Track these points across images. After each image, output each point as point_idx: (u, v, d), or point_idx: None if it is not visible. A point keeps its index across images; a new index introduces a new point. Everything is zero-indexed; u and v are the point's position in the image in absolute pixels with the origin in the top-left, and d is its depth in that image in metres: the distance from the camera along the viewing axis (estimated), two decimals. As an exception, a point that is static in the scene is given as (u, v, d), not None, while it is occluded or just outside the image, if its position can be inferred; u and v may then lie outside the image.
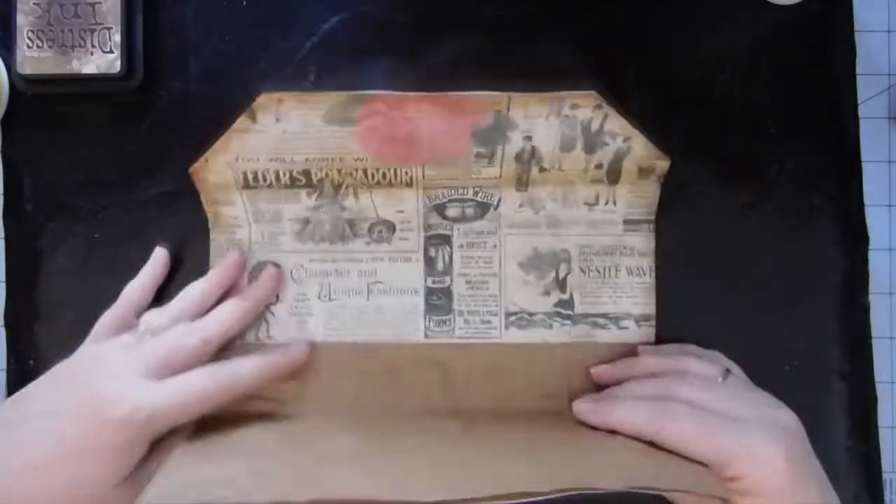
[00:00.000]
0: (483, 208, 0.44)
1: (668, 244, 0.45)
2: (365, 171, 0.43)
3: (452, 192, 0.44)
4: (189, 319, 0.42)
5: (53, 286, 0.45)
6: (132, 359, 0.39)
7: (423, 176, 0.44)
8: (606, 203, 0.44)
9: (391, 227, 0.45)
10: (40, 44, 0.43)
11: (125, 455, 0.36)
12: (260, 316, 0.44)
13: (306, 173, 0.43)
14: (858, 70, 0.45)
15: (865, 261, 0.45)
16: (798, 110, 0.45)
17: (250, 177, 0.44)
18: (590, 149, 0.43)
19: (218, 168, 0.43)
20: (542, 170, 0.43)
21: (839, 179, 0.45)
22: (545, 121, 0.42)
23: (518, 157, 0.43)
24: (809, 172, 0.45)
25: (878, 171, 0.45)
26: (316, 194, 0.44)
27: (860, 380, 0.44)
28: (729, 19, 0.45)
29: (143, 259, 0.45)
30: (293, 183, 0.44)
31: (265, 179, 0.44)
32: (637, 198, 0.44)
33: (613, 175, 0.44)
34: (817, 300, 0.45)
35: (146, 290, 0.44)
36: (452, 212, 0.44)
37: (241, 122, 0.42)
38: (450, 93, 0.42)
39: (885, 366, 0.45)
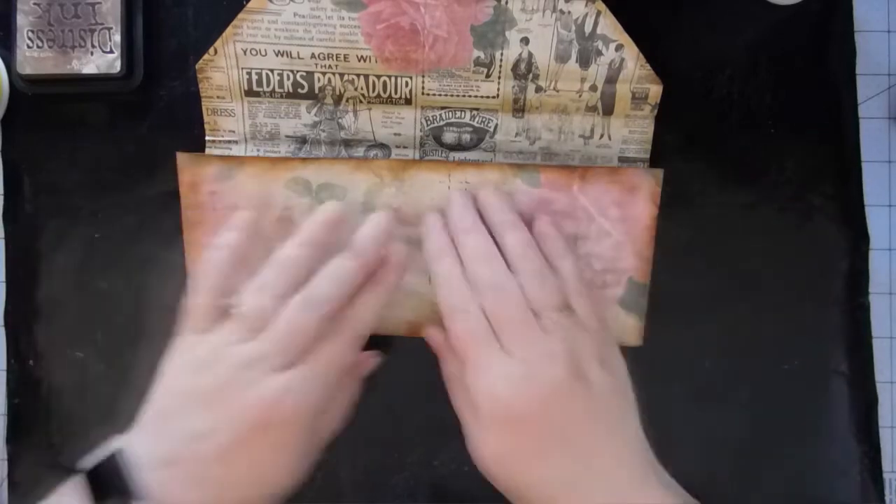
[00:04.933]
0: (479, 134, 0.45)
1: (668, 244, 0.45)
2: (366, 79, 0.44)
3: (450, 113, 0.44)
4: (288, 292, 0.37)
5: (53, 286, 0.45)
6: (256, 357, 0.36)
7: (423, 90, 0.44)
8: (601, 136, 0.44)
9: (387, 152, 0.45)
10: (40, 44, 0.43)
11: (299, 448, 0.37)
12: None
13: (309, 78, 0.44)
14: (858, 70, 0.45)
15: (865, 261, 0.45)
16: (798, 110, 0.45)
17: (254, 79, 0.44)
18: (584, 60, 0.43)
19: (225, 63, 0.43)
20: (538, 89, 0.44)
21: (839, 179, 0.45)
22: (542, 16, 0.43)
23: (515, 69, 0.43)
24: (809, 172, 0.45)
25: (878, 171, 0.45)
26: (316, 108, 0.44)
27: (860, 380, 0.44)
28: (729, 19, 0.45)
29: (143, 259, 0.45)
30: (295, 90, 0.44)
31: (268, 83, 0.44)
32: (632, 133, 0.44)
33: (607, 102, 0.44)
34: (817, 300, 0.45)
35: (235, 268, 0.38)
36: (449, 137, 0.45)
37: (257, 0, 0.42)
38: None
39: (885, 366, 0.45)
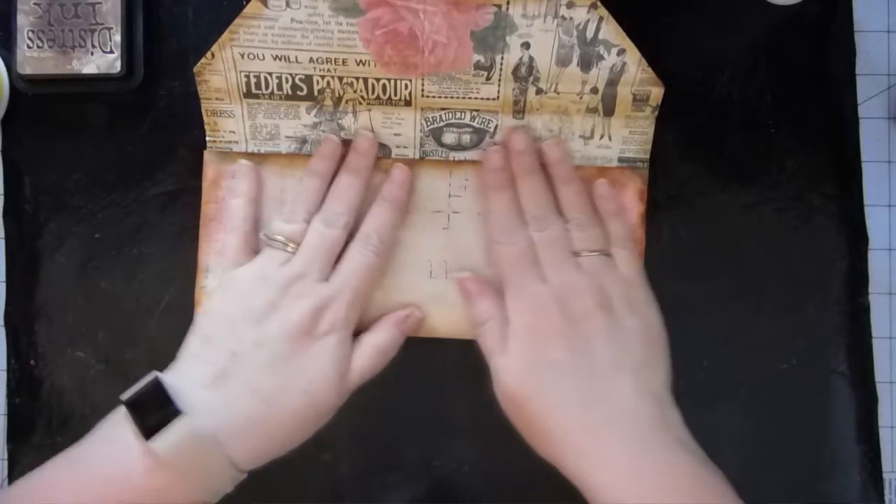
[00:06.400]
0: (479, 135, 0.45)
1: (668, 244, 0.45)
2: (365, 82, 0.44)
3: (450, 114, 0.44)
4: (309, 218, 0.43)
5: (53, 286, 0.45)
6: (300, 273, 0.41)
7: (423, 92, 0.44)
8: (602, 137, 0.44)
9: (387, 152, 0.45)
10: (41, 44, 0.43)
11: (341, 362, 0.41)
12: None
13: (308, 81, 0.44)
14: (858, 70, 0.45)
15: (865, 261, 0.45)
16: (798, 110, 0.45)
17: (253, 82, 0.44)
18: (585, 64, 0.43)
19: (223, 66, 0.43)
20: (538, 91, 0.44)
21: (839, 179, 0.45)
22: (543, 22, 0.42)
23: (516, 72, 0.43)
24: (809, 172, 0.45)
25: (877, 171, 0.45)
26: (316, 109, 0.44)
27: (860, 380, 0.44)
28: (729, 19, 0.45)
29: (144, 259, 0.45)
30: (294, 93, 0.44)
31: (267, 86, 0.44)
32: (632, 133, 0.44)
33: (608, 104, 0.44)
34: (817, 300, 0.45)
35: (255, 207, 0.44)
36: (449, 138, 0.45)
37: (253, 5, 0.42)
38: None
39: (885, 366, 0.45)
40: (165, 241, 0.45)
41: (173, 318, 0.45)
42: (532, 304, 0.40)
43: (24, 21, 0.43)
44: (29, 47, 0.43)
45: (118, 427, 0.37)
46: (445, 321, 0.45)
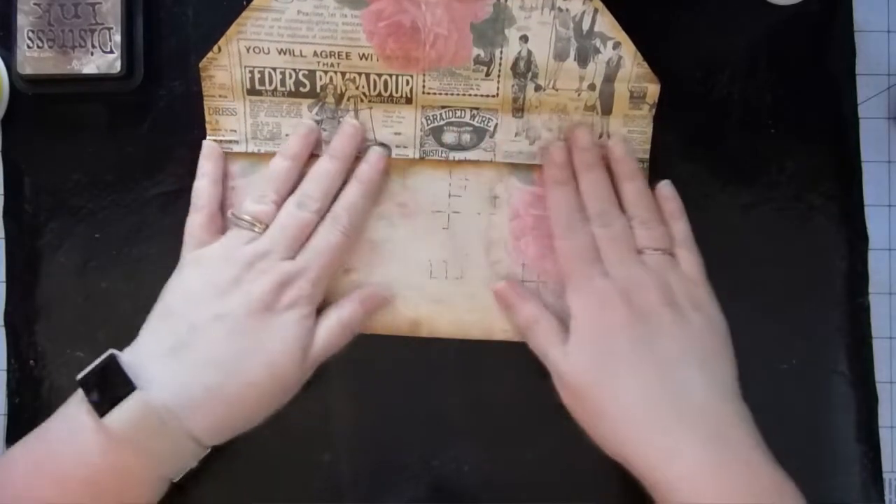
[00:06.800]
0: (479, 134, 0.45)
1: (668, 244, 0.45)
2: (367, 78, 0.44)
3: (450, 113, 0.44)
4: (282, 200, 0.42)
5: (53, 286, 0.45)
6: (266, 250, 0.41)
7: (424, 89, 0.44)
8: (600, 136, 0.45)
9: (388, 151, 0.45)
10: (41, 44, 0.43)
11: (302, 337, 0.41)
12: None
13: (311, 76, 0.44)
14: (858, 70, 0.45)
15: (865, 261, 0.45)
16: (798, 110, 0.45)
17: (257, 77, 0.44)
18: (582, 58, 0.43)
19: (228, 62, 0.43)
20: (537, 88, 0.44)
21: (839, 179, 0.45)
22: (540, 14, 0.43)
23: (515, 68, 0.44)
24: (809, 172, 0.45)
25: (877, 171, 0.45)
26: (318, 107, 0.44)
27: (860, 380, 0.44)
28: (729, 19, 0.45)
29: (144, 259, 0.45)
30: (297, 89, 0.44)
31: (271, 82, 0.44)
32: (630, 132, 0.44)
33: (606, 102, 0.44)
34: (817, 300, 0.45)
35: (220, 186, 0.44)
36: (449, 137, 0.45)
37: None
38: None
39: (884, 366, 0.45)
40: (165, 241, 0.45)
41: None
42: (597, 299, 0.40)
43: (24, 21, 0.43)
44: (29, 47, 0.43)
45: (74, 406, 0.38)
46: (446, 321, 0.45)
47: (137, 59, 0.44)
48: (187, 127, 0.45)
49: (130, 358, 0.39)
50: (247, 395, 0.39)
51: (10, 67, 0.44)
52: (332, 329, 0.42)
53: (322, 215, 0.42)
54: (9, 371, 0.45)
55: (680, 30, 0.45)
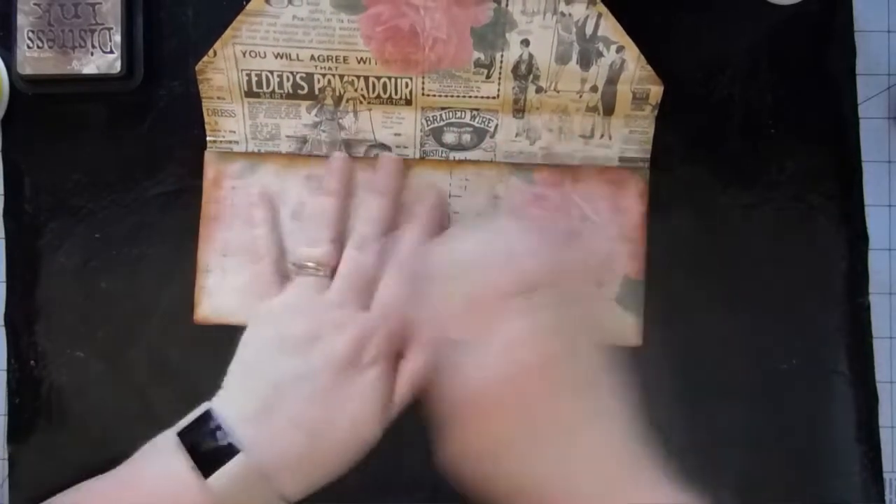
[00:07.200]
0: (480, 135, 0.45)
1: (668, 244, 0.45)
2: (366, 80, 0.44)
3: (450, 114, 0.44)
4: (338, 237, 0.42)
5: (54, 286, 0.45)
6: (339, 301, 0.40)
7: (423, 91, 0.44)
8: (602, 136, 0.44)
9: (387, 151, 0.45)
10: (41, 44, 0.43)
11: (384, 391, 0.40)
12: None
13: (309, 79, 0.44)
14: (858, 70, 0.45)
15: (865, 260, 0.45)
16: (798, 110, 0.45)
17: (254, 80, 0.44)
18: (585, 61, 0.43)
19: (225, 65, 0.43)
20: (538, 90, 0.44)
21: (839, 179, 0.45)
22: (542, 18, 0.42)
23: (516, 70, 0.43)
24: (809, 172, 0.45)
25: (877, 172, 0.45)
26: (316, 109, 0.44)
27: (861, 379, 0.44)
28: (729, 19, 0.45)
29: (144, 259, 0.45)
30: (295, 92, 0.44)
31: (268, 85, 0.44)
32: (632, 133, 0.44)
33: (608, 103, 0.44)
34: (818, 300, 0.45)
35: (277, 231, 0.44)
36: (449, 138, 0.45)
37: (255, 2, 0.42)
38: None
39: (885, 366, 0.45)
40: (165, 241, 0.45)
41: (173, 318, 0.45)
42: (476, 374, 0.38)
43: (24, 21, 0.43)
44: (29, 47, 0.43)
45: (173, 457, 0.37)
46: None
47: (137, 59, 0.44)
48: (187, 127, 0.45)
49: (223, 413, 0.38)
50: (334, 454, 0.39)
51: (10, 67, 0.44)
52: (409, 383, 0.41)
53: (382, 254, 0.42)
54: (9, 371, 0.45)
55: (680, 31, 0.45)
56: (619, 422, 0.37)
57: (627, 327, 0.44)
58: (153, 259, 0.45)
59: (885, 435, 0.44)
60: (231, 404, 0.39)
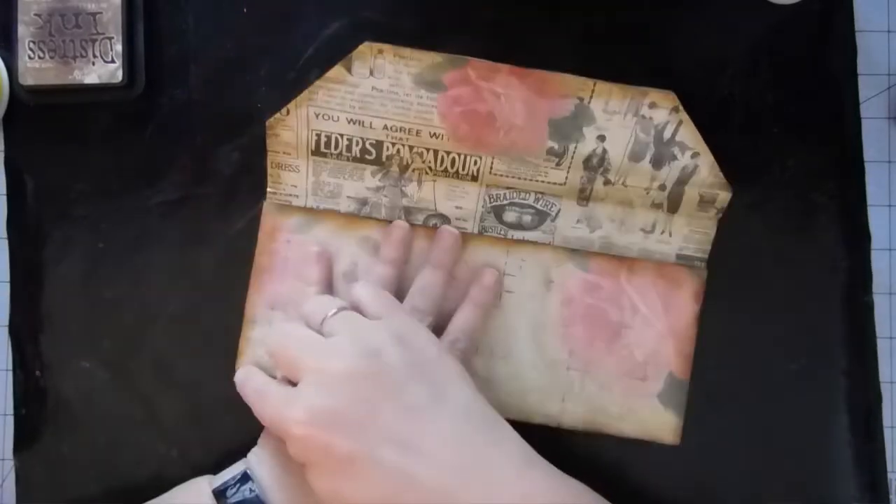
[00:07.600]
0: (541, 217, 0.44)
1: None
2: (435, 154, 0.43)
3: (514, 194, 0.44)
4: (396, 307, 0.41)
5: (57, 296, 0.45)
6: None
7: (491, 170, 0.43)
8: (662, 232, 0.44)
9: (446, 222, 0.44)
10: (42, 54, 0.43)
11: None
12: None
13: (378, 146, 0.43)
14: (858, 70, 0.45)
15: (868, 260, 0.45)
16: (799, 110, 0.45)
17: (323, 141, 0.43)
18: (658, 162, 0.43)
19: (296, 123, 0.43)
20: (606, 182, 0.43)
21: (841, 179, 0.45)
22: (622, 118, 0.42)
23: (587, 162, 0.43)
24: (811, 172, 0.45)
25: (878, 171, 0.45)
26: (381, 174, 0.44)
27: (864, 379, 0.44)
28: (729, 19, 0.45)
29: (148, 268, 0.45)
30: (363, 156, 0.43)
31: (337, 146, 0.43)
32: (693, 232, 0.44)
33: (674, 201, 0.44)
34: (820, 299, 0.45)
35: (330, 289, 0.44)
36: (510, 216, 0.44)
37: (337, 70, 0.42)
38: (540, 70, 0.42)
39: (886, 366, 0.45)
40: (169, 249, 0.45)
41: (178, 326, 0.45)
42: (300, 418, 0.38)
43: (24, 32, 0.43)
44: (30, 58, 0.43)
45: None
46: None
47: (139, 68, 0.44)
48: (189, 135, 0.45)
49: (258, 473, 0.40)
50: None
51: (10, 68, 0.44)
52: None
53: (434, 326, 0.42)
54: (15, 381, 0.45)
55: (681, 30, 0.45)
56: (464, 406, 0.37)
57: (666, 426, 0.44)
58: (157, 267, 0.45)
59: (887, 435, 0.44)
60: (265, 465, 0.40)
